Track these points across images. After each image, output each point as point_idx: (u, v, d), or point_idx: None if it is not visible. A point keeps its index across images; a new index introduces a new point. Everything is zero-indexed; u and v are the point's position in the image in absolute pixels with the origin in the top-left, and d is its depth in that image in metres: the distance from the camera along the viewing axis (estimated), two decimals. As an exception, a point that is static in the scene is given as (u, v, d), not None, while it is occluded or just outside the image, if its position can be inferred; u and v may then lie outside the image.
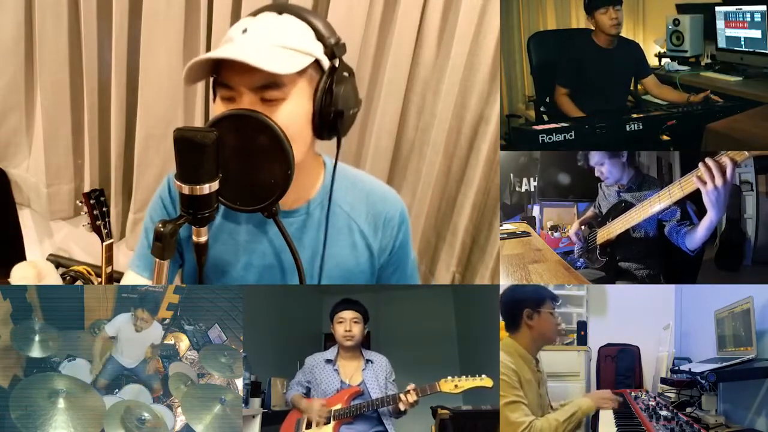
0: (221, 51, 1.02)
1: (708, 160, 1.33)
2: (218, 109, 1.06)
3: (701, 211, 1.53)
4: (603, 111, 1.93)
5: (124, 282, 1.31)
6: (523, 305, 1.40)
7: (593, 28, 1.98)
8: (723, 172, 1.31)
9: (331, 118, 1.07)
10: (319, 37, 1.06)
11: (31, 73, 2.27)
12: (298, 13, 1.07)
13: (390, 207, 1.29)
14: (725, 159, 1.32)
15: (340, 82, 1.07)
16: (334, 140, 1.12)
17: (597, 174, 1.88)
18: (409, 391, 1.54)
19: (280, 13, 1.06)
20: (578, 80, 2.00)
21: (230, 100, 1.05)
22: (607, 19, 1.93)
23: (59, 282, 1.01)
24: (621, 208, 1.79)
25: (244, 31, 1.04)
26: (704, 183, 1.34)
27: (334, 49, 1.07)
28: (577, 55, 2.02)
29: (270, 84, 1.01)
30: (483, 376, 1.53)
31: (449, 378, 1.55)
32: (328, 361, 1.72)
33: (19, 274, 0.92)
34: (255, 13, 1.08)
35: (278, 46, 1.03)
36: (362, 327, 1.72)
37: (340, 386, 1.67)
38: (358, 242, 1.24)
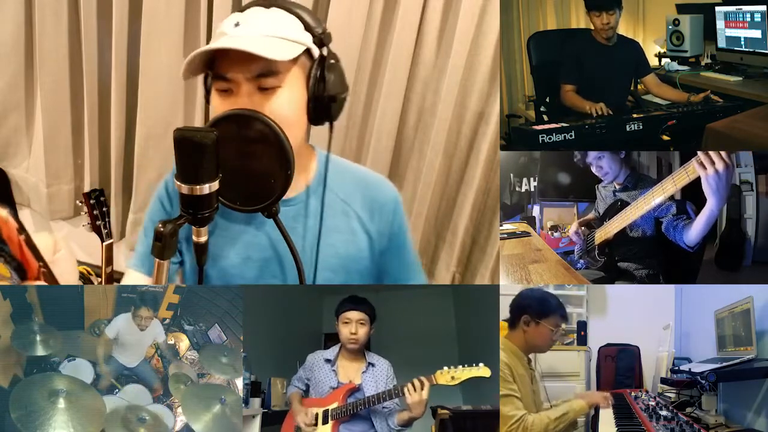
0: (219, 42, 1.03)
1: (707, 152, 1.33)
2: (215, 102, 1.09)
3: (699, 210, 1.52)
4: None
5: (125, 282, 1.31)
6: (524, 310, 1.42)
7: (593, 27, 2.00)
8: (723, 158, 1.30)
9: (325, 103, 1.11)
10: (307, 27, 1.09)
11: (31, 73, 2.27)
12: (285, 6, 1.10)
13: (384, 192, 1.30)
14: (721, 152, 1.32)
15: (330, 69, 1.11)
16: (327, 133, 1.16)
17: (595, 170, 1.87)
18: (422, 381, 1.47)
19: (268, 7, 1.09)
20: (582, 76, 2.00)
21: (227, 92, 1.06)
22: (599, 23, 1.95)
23: (73, 256, 1.02)
24: (617, 207, 1.79)
25: (237, 24, 1.06)
26: (704, 168, 1.32)
27: (322, 38, 1.10)
28: (579, 51, 2.03)
29: (267, 72, 1.04)
30: (480, 364, 1.48)
31: (445, 369, 1.49)
32: (327, 360, 1.70)
33: (38, 244, 0.93)
34: (243, 9, 1.11)
35: (272, 36, 1.05)
36: (368, 329, 1.66)
37: (337, 386, 1.65)
38: (356, 228, 1.25)
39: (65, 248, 0.98)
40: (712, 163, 1.31)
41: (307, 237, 1.22)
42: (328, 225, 1.21)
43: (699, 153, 1.34)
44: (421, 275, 1.41)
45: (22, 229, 0.87)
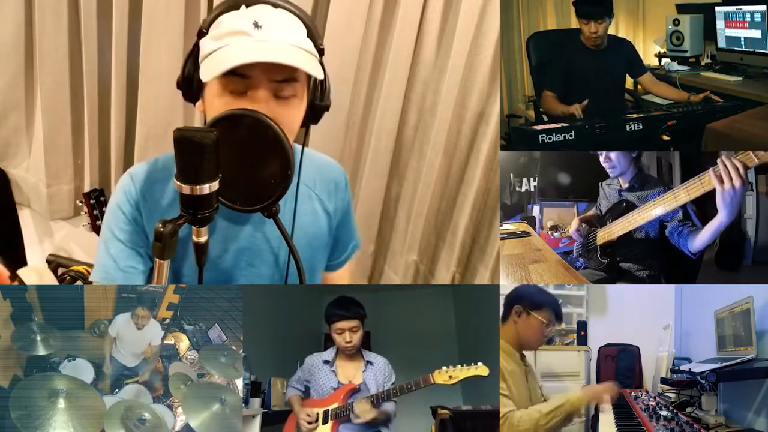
0: (259, 52, 0.99)
1: (725, 159, 1.32)
2: (220, 102, 1.04)
3: (702, 213, 1.52)
4: (597, 110, 1.93)
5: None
6: (517, 301, 1.41)
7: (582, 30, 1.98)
8: (740, 173, 1.31)
9: (319, 112, 1.14)
10: (309, 34, 1.09)
11: (31, 73, 2.27)
12: (290, 9, 1.08)
13: (337, 174, 1.37)
14: (737, 162, 1.31)
15: (326, 78, 1.13)
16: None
17: (603, 161, 1.85)
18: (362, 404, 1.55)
19: (275, 7, 1.06)
20: (567, 82, 1.99)
21: (242, 94, 1.03)
22: (587, 30, 1.94)
23: (54, 282, 1.03)
24: (622, 208, 1.79)
25: (256, 24, 1.02)
26: (721, 182, 1.33)
27: (322, 48, 1.11)
28: (565, 57, 2.01)
29: (290, 78, 1.04)
30: (479, 364, 1.50)
31: (443, 368, 1.52)
32: (326, 362, 1.71)
33: (27, 280, 0.94)
34: (247, 4, 1.06)
35: (296, 46, 1.04)
36: (362, 332, 1.69)
37: (337, 386, 1.66)
38: (318, 208, 1.31)
39: (47, 277, 0.98)
40: (730, 178, 1.31)
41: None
42: (297, 209, 1.24)
43: (718, 161, 1.33)
44: (357, 236, 1.49)
45: (14, 275, 0.87)
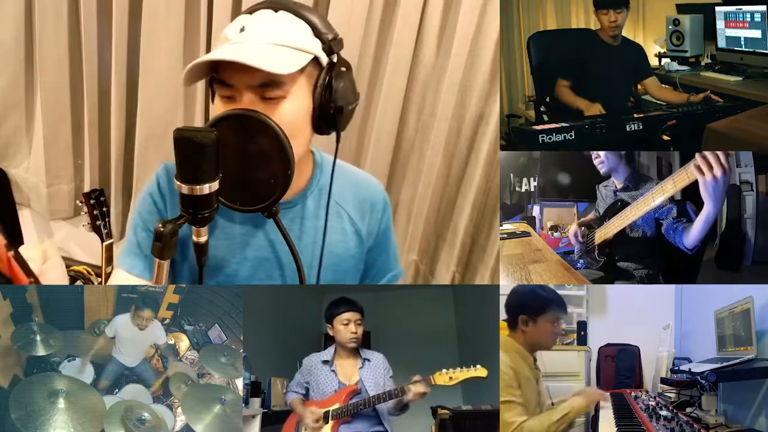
0: (220, 52, 1.01)
1: (705, 153, 1.32)
2: (218, 108, 1.06)
3: (700, 210, 1.52)
4: (604, 106, 1.94)
5: (113, 281, 1.26)
6: (520, 310, 1.39)
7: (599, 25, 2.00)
8: (721, 162, 1.30)
9: (331, 114, 1.08)
10: (317, 33, 1.06)
11: (31, 73, 2.27)
12: (294, 10, 1.06)
13: (374, 193, 1.31)
14: (719, 153, 1.32)
15: (338, 78, 1.07)
16: (331, 135, 1.14)
17: (594, 159, 1.87)
18: (416, 381, 1.52)
19: (276, 10, 1.06)
20: (581, 73, 2.00)
21: (230, 99, 1.04)
22: (606, 21, 1.96)
23: (62, 263, 1.02)
24: (617, 207, 1.79)
25: (242, 29, 1.03)
26: (702, 173, 1.32)
27: (332, 45, 1.07)
28: (581, 49, 2.02)
29: (270, 82, 1.01)
30: (478, 366, 1.51)
31: (444, 370, 1.53)
32: (325, 362, 1.71)
33: (26, 255, 0.93)
34: (251, 11, 1.08)
35: (277, 44, 1.02)
36: (362, 327, 1.71)
37: (338, 386, 1.66)
38: (348, 228, 1.26)
39: (54, 256, 0.97)
40: (710, 168, 1.31)
41: (304, 239, 1.21)
42: (322, 226, 1.21)
43: (697, 155, 1.34)
44: (399, 266, 1.43)
45: (10, 245, 0.87)
